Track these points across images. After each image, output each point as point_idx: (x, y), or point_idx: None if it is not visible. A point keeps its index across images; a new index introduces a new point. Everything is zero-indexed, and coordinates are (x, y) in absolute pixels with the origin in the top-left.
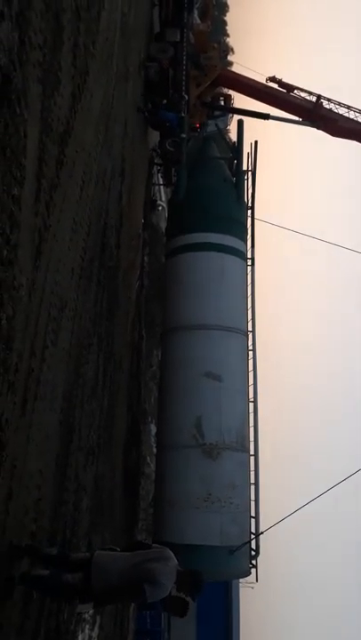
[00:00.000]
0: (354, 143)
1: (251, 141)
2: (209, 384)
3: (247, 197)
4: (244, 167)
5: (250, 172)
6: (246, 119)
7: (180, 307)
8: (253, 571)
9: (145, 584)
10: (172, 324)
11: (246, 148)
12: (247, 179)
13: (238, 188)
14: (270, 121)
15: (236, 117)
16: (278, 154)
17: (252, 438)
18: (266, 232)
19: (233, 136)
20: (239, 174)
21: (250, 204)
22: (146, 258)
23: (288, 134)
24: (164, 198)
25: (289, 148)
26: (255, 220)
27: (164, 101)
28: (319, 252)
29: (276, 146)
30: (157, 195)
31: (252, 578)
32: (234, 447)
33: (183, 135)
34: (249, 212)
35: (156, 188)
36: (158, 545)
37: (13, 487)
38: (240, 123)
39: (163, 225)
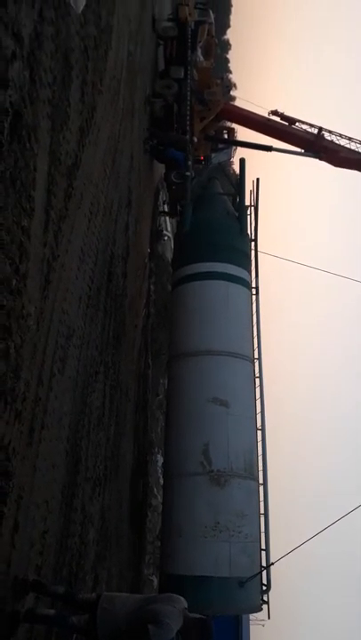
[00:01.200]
0: (356, 173)
1: (253, 179)
2: (216, 410)
3: (250, 231)
4: (247, 203)
5: (252, 208)
6: (250, 151)
7: (186, 333)
8: (265, 607)
9: (149, 625)
10: (178, 351)
11: (249, 184)
12: (250, 214)
13: (241, 221)
14: (274, 153)
15: (239, 155)
16: (283, 184)
17: (260, 467)
18: (273, 265)
19: (237, 167)
20: (242, 209)
21: (253, 237)
22: (152, 287)
23: (292, 165)
24: (169, 229)
25: (293, 179)
26: (258, 253)
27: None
28: (326, 283)
29: (281, 176)
30: (163, 225)
31: (263, 615)
32: (242, 475)
33: (188, 174)
34: (252, 244)
35: (162, 218)
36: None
37: (19, 519)
38: (242, 162)
39: (168, 254)
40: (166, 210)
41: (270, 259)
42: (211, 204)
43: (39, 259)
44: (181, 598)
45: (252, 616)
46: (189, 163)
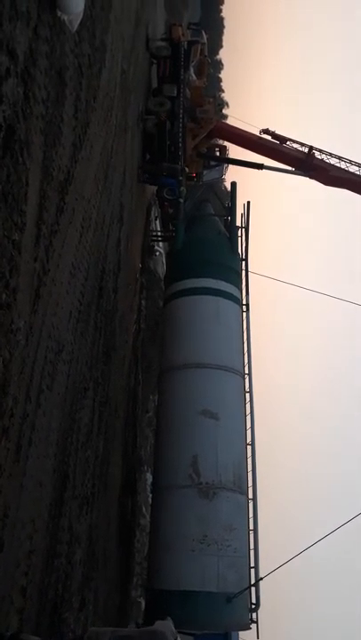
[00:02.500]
0: (345, 192)
1: (246, 193)
2: (205, 422)
3: (241, 251)
4: (238, 224)
5: (243, 229)
6: (242, 169)
7: (177, 347)
8: (254, 626)
9: None
10: (168, 364)
11: (240, 205)
12: (241, 236)
13: (232, 241)
14: (265, 170)
15: (231, 172)
16: (274, 201)
17: (250, 483)
18: (266, 285)
19: (228, 185)
20: (233, 229)
21: (244, 257)
22: (143, 302)
23: (283, 183)
24: (161, 244)
25: (285, 196)
26: (249, 272)
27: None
28: (316, 302)
29: (273, 193)
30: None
31: (252, 635)
32: (231, 488)
33: (181, 200)
34: (243, 263)
35: (154, 234)
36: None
37: (5, 538)
38: (233, 185)
39: (160, 270)
40: (158, 227)
41: (262, 279)
42: (203, 224)
43: (29, 273)
44: (166, 633)
45: (241, 635)
46: (182, 188)
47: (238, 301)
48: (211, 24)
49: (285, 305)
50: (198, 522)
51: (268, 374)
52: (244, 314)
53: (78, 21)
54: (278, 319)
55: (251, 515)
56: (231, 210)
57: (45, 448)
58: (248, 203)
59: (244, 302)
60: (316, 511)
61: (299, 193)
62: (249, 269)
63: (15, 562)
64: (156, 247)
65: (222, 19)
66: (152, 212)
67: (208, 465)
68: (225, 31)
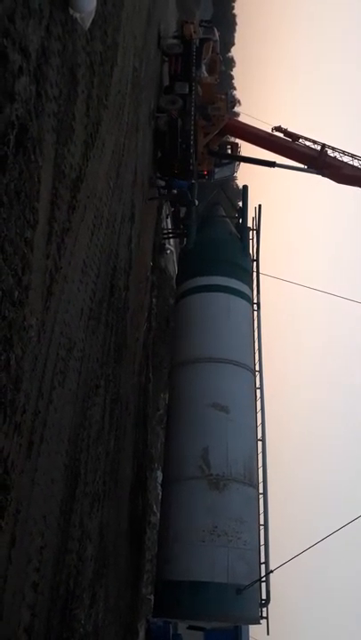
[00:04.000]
0: (359, 190)
1: (257, 189)
2: (216, 415)
3: (253, 252)
4: (250, 226)
5: (255, 231)
6: (254, 167)
7: (188, 342)
8: (264, 622)
9: None
10: (179, 359)
11: (252, 205)
12: (252, 238)
13: (243, 241)
14: (277, 168)
15: (242, 170)
16: (286, 199)
17: (261, 478)
18: (277, 287)
19: (240, 182)
20: (244, 230)
21: (255, 258)
22: (154, 300)
23: (296, 180)
24: (172, 242)
25: (297, 193)
26: (260, 274)
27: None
28: (328, 304)
29: (285, 190)
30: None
31: (262, 632)
32: (241, 480)
33: (195, 202)
34: (254, 264)
35: (165, 232)
36: None
37: (17, 533)
38: (245, 188)
39: (171, 268)
40: (169, 225)
41: (275, 281)
42: (214, 225)
43: (42, 270)
44: None
45: (251, 633)
46: (194, 190)
47: (249, 299)
48: (223, 21)
49: (300, 307)
50: (208, 513)
51: (281, 372)
52: (255, 312)
53: (90, 19)
54: (290, 319)
55: (261, 510)
56: (243, 211)
57: (57, 445)
58: (260, 206)
59: (255, 301)
60: (329, 504)
61: (311, 191)
62: (260, 270)
63: (27, 557)
64: (167, 245)
65: (234, 16)
66: (163, 211)
67: (218, 457)
68: (237, 28)
